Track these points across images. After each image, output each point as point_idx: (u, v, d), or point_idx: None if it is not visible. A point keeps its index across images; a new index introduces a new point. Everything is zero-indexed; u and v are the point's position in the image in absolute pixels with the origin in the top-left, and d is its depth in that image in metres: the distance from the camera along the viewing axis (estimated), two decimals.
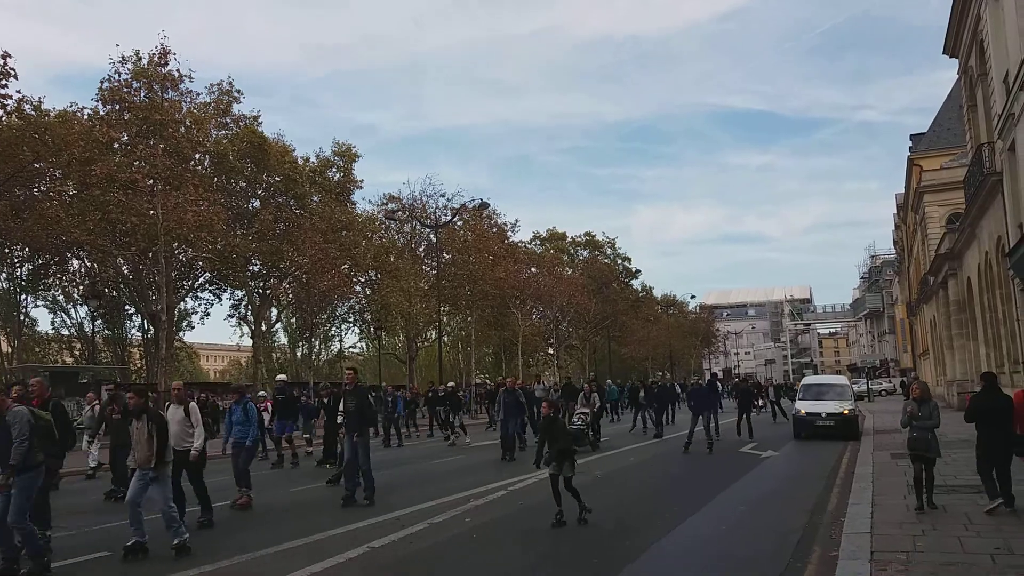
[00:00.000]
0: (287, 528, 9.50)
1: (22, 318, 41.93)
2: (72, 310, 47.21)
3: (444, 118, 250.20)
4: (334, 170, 44.38)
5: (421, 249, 47.23)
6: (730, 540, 8.64)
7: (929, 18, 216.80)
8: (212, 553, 8.21)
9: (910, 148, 50.54)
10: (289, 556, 8.02)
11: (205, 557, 8.03)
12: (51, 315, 47.71)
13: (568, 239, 73.58)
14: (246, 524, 10.04)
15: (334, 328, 57.88)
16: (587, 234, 75.63)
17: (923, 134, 48.69)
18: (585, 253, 74.75)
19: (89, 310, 42.67)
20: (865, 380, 54.09)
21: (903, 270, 66.20)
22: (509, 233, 52.33)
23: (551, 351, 63.03)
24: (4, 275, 41.06)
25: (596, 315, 61.87)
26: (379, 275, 43.69)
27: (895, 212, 67.59)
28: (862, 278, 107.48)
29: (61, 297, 45.99)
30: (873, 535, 7.92)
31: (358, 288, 45.30)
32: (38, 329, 48.06)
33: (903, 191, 54.87)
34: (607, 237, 77.18)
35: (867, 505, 9.68)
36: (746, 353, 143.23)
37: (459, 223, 45.49)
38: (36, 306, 45.71)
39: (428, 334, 50.82)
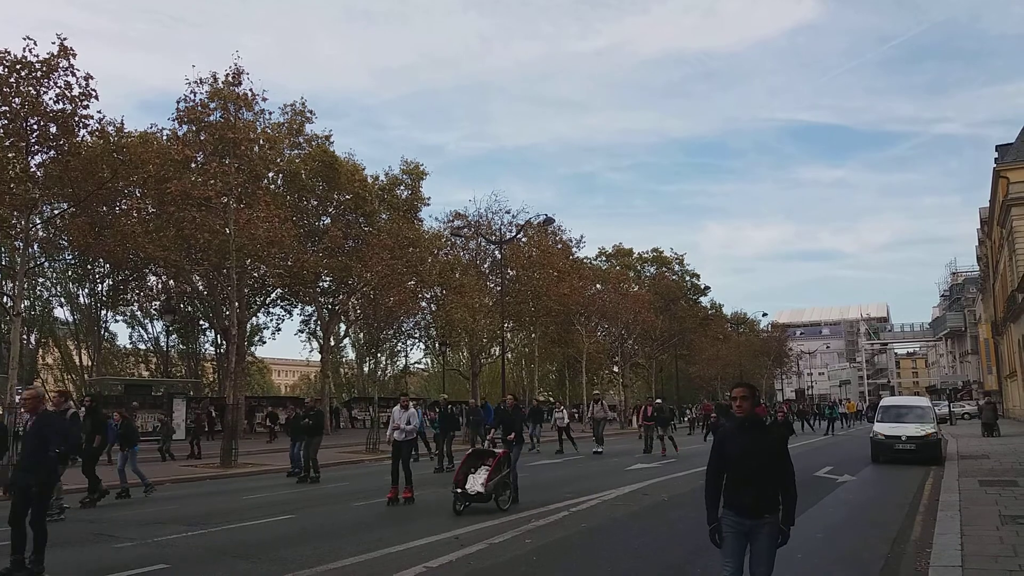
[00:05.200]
0: (344, 544, 9.36)
1: (102, 332, 43.49)
2: (149, 325, 48.90)
3: (508, 137, 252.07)
4: (402, 188, 44.96)
5: (486, 265, 47.27)
6: (806, 569, 8.13)
7: (1011, 27, 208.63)
8: (265, 569, 8.12)
9: (996, 160, 48.37)
10: (343, 574, 7.87)
11: (258, 572, 7.94)
12: (129, 330, 49.57)
13: (635, 255, 72.75)
14: (302, 539, 9.94)
15: (400, 344, 58.48)
16: (654, 250, 74.74)
17: (1010, 145, 46.60)
18: (652, 270, 73.79)
19: (165, 325, 44.13)
20: (946, 402, 51.73)
21: (987, 287, 63.30)
22: (574, 249, 52.02)
23: (616, 369, 62.23)
24: (86, 291, 42.74)
25: (663, 333, 60.83)
26: (444, 291, 43.89)
27: (979, 227, 64.88)
28: (942, 296, 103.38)
29: (139, 312, 47.66)
30: (964, 568, 7.31)
31: (424, 304, 45.60)
32: (117, 343, 49.87)
33: (988, 205, 52.60)
34: (675, 253, 76.13)
35: (955, 536, 8.99)
36: (820, 373, 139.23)
37: (524, 239, 45.38)
38: (116, 321, 47.48)
39: (492, 350, 50.78)
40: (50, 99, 21.08)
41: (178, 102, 27.95)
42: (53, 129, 21.31)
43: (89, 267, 39.88)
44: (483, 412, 26.64)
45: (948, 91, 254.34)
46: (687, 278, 76.75)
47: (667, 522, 11.27)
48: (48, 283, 43.57)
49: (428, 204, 45.55)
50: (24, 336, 39.84)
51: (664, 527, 10.87)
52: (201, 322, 46.43)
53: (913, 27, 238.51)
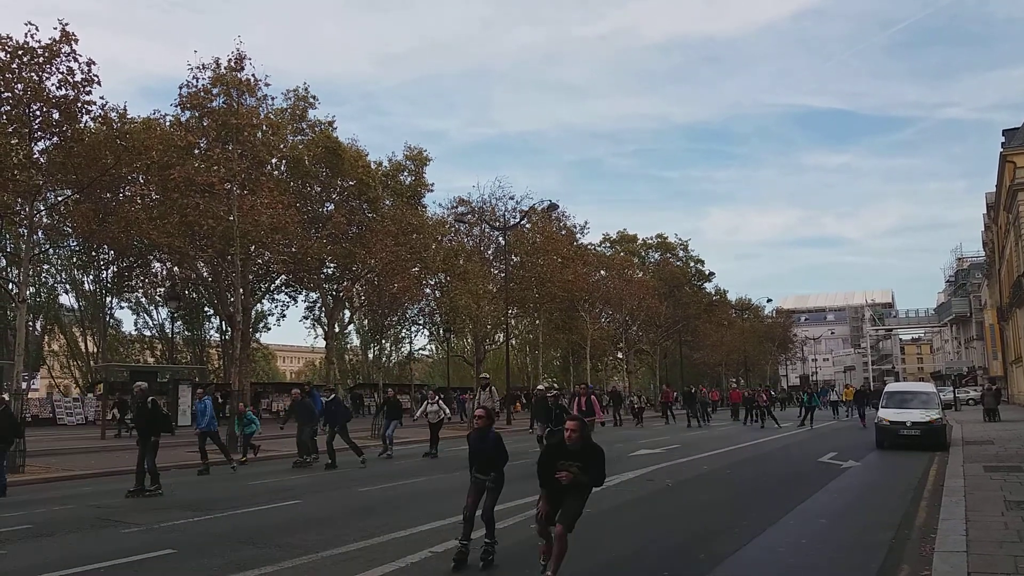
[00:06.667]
0: (348, 530, 9.39)
1: (107, 319, 43.59)
2: (154, 311, 49.01)
3: (512, 123, 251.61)
4: (405, 174, 44.88)
5: (490, 251, 47.22)
6: (811, 554, 8.13)
7: (1019, 10, 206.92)
8: (270, 554, 8.15)
9: (1002, 144, 48.14)
10: (348, 559, 7.90)
11: (263, 558, 7.96)
12: (134, 316, 49.69)
13: (639, 241, 72.61)
14: (307, 524, 9.97)
15: (404, 330, 58.56)
16: (659, 236, 74.57)
17: (1017, 129, 46.39)
18: (656, 256, 73.65)
19: (169, 312, 44.20)
20: (951, 388, 51.66)
21: (993, 272, 63.14)
22: (578, 235, 51.83)
23: (620, 355, 62.27)
24: (91, 277, 42.81)
25: (667, 319, 60.81)
26: (448, 277, 43.88)
27: (985, 212, 64.66)
28: (948, 282, 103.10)
29: (144, 299, 47.75)
30: (969, 554, 7.30)
31: (427, 290, 45.63)
32: (122, 330, 49.98)
33: (994, 190, 52.37)
34: (679, 239, 75.94)
35: (960, 521, 8.99)
36: (824, 359, 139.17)
37: (527, 225, 45.30)
38: (120, 308, 47.63)
39: (496, 337, 50.85)
40: (52, 85, 20.98)
41: (180, 88, 27.87)
42: (56, 115, 21.23)
43: (93, 254, 39.91)
44: (312, 404, 19.67)
45: (954, 75, 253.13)
46: (691, 264, 76.59)
47: (672, 507, 11.29)
48: (53, 270, 43.66)
49: (432, 190, 45.49)
50: (30, 323, 39.94)
51: (669, 512, 10.89)
52: (206, 309, 46.50)
53: (918, 11, 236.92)
